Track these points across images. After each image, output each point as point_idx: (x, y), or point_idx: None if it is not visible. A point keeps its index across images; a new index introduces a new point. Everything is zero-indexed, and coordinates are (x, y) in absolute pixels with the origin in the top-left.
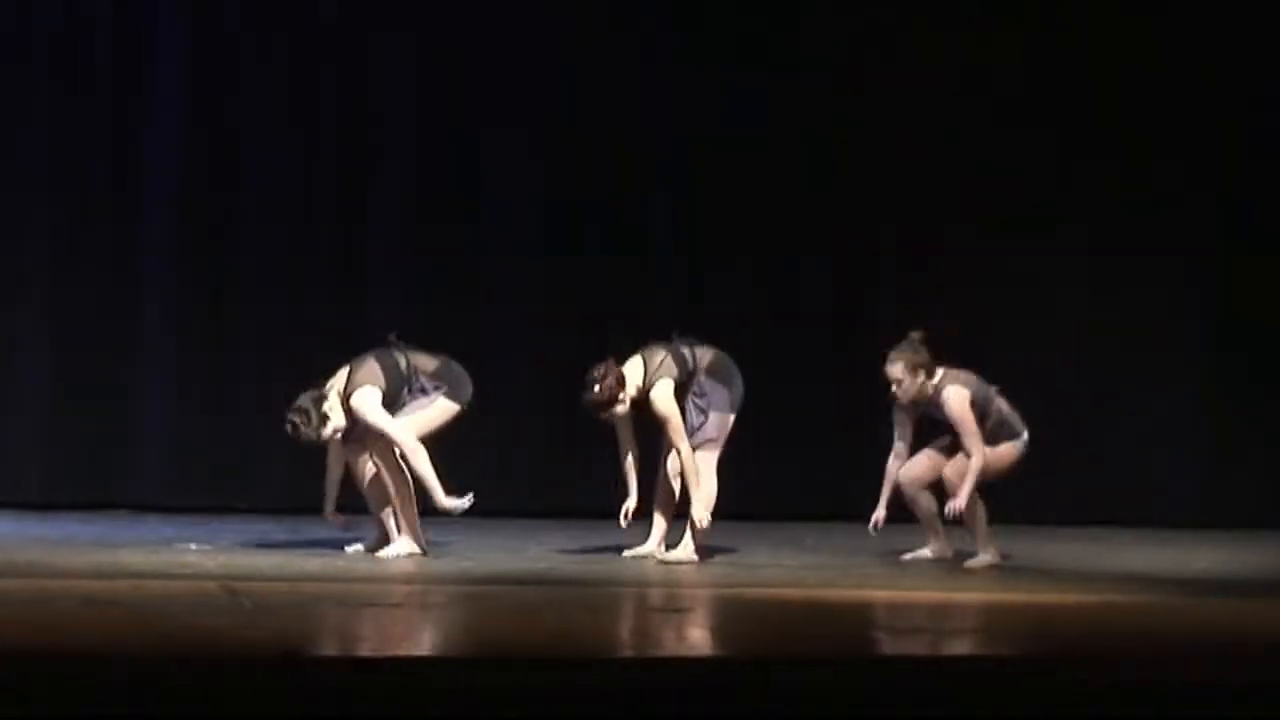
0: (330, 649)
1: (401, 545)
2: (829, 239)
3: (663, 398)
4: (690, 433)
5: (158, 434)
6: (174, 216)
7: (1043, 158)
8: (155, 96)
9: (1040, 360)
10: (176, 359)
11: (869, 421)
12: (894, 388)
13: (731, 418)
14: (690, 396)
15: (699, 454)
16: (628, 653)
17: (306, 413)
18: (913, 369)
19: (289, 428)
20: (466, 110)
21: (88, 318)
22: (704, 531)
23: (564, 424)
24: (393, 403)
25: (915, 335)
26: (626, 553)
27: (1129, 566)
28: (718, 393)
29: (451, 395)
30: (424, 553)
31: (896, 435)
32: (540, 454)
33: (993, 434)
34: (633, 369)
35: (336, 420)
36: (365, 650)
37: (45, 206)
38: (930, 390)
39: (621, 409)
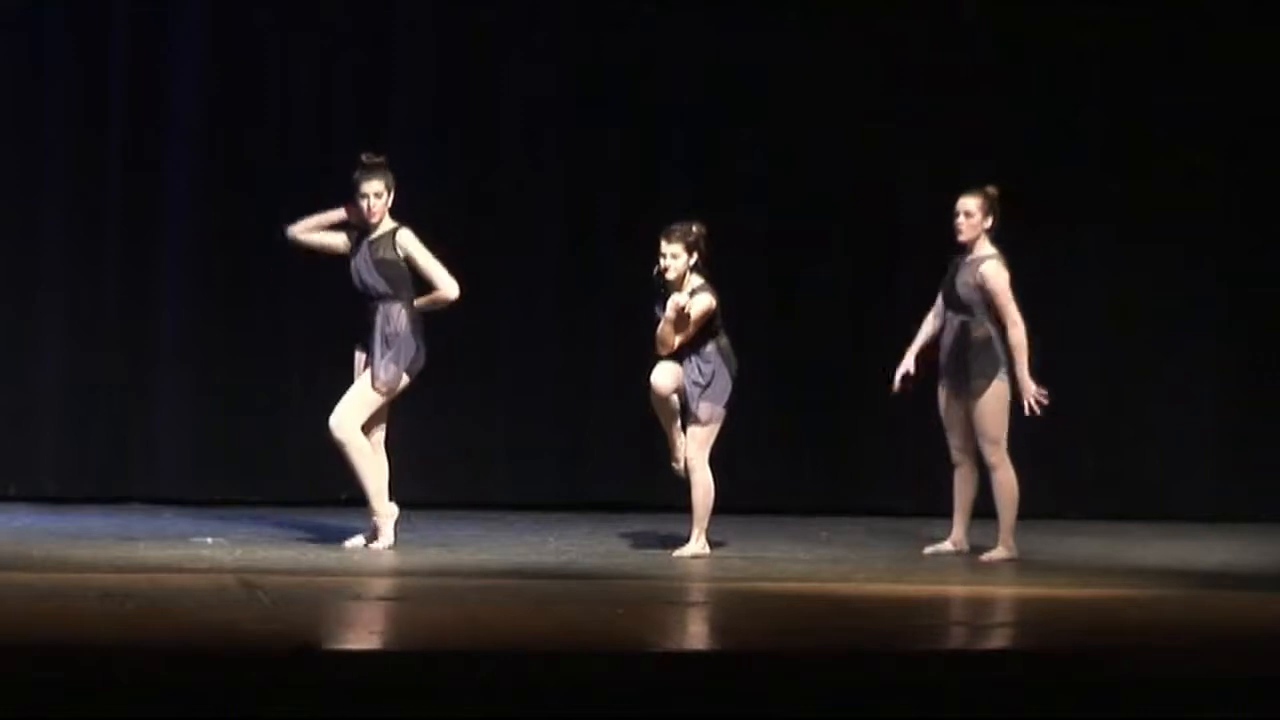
0: (347, 643)
1: (387, 537)
2: (847, 235)
3: (702, 301)
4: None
5: (174, 428)
6: (192, 213)
7: (1061, 152)
8: (174, 94)
9: (1057, 356)
10: (193, 353)
11: (885, 416)
12: (960, 219)
13: (723, 413)
14: (694, 359)
15: (691, 448)
16: (644, 646)
17: (384, 162)
18: (984, 210)
19: (370, 154)
20: (484, 107)
21: (104, 312)
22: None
23: (583, 418)
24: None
25: (992, 190)
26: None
27: (1146, 561)
28: (719, 377)
29: (408, 368)
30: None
31: (940, 300)
32: (560, 448)
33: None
34: (696, 275)
35: (387, 197)
36: (382, 644)
37: (63, 202)
38: (981, 250)
39: (670, 262)
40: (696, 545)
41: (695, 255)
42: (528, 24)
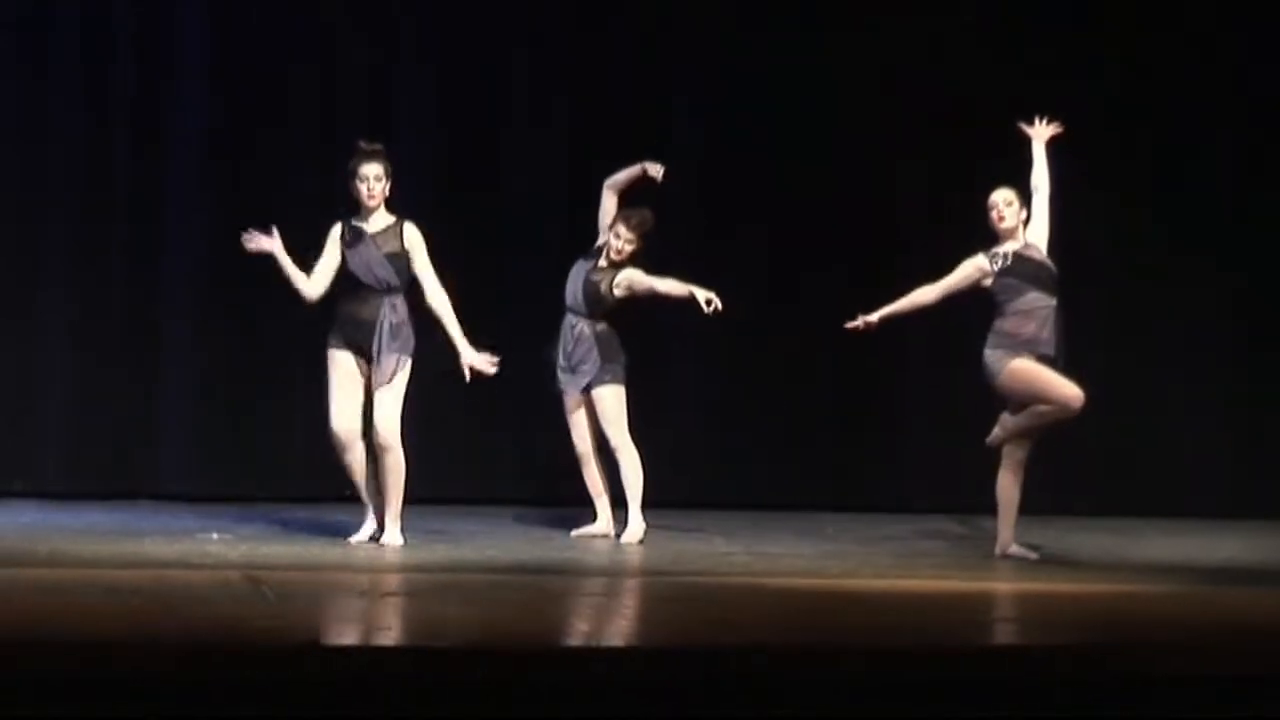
0: (352, 638)
1: (393, 533)
2: (853, 232)
3: (637, 274)
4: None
5: (179, 424)
6: (196, 210)
7: (1071, 144)
8: (178, 93)
9: (1067, 351)
10: (197, 349)
11: (891, 413)
12: (1002, 208)
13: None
14: (577, 329)
15: (609, 429)
16: (648, 642)
17: (382, 149)
18: (1021, 203)
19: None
20: (490, 106)
21: (109, 308)
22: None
23: None
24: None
25: None
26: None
27: (1154, 556)
28: (591, 354)
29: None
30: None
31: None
32: (566, 444)
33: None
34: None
35: (387, 182)
36: (387, 640)
37: (69, 198)
38: (1021, 236)
39: (629, 247)
40: (638, 525)
41: (643, 244)
42: (531, 23)
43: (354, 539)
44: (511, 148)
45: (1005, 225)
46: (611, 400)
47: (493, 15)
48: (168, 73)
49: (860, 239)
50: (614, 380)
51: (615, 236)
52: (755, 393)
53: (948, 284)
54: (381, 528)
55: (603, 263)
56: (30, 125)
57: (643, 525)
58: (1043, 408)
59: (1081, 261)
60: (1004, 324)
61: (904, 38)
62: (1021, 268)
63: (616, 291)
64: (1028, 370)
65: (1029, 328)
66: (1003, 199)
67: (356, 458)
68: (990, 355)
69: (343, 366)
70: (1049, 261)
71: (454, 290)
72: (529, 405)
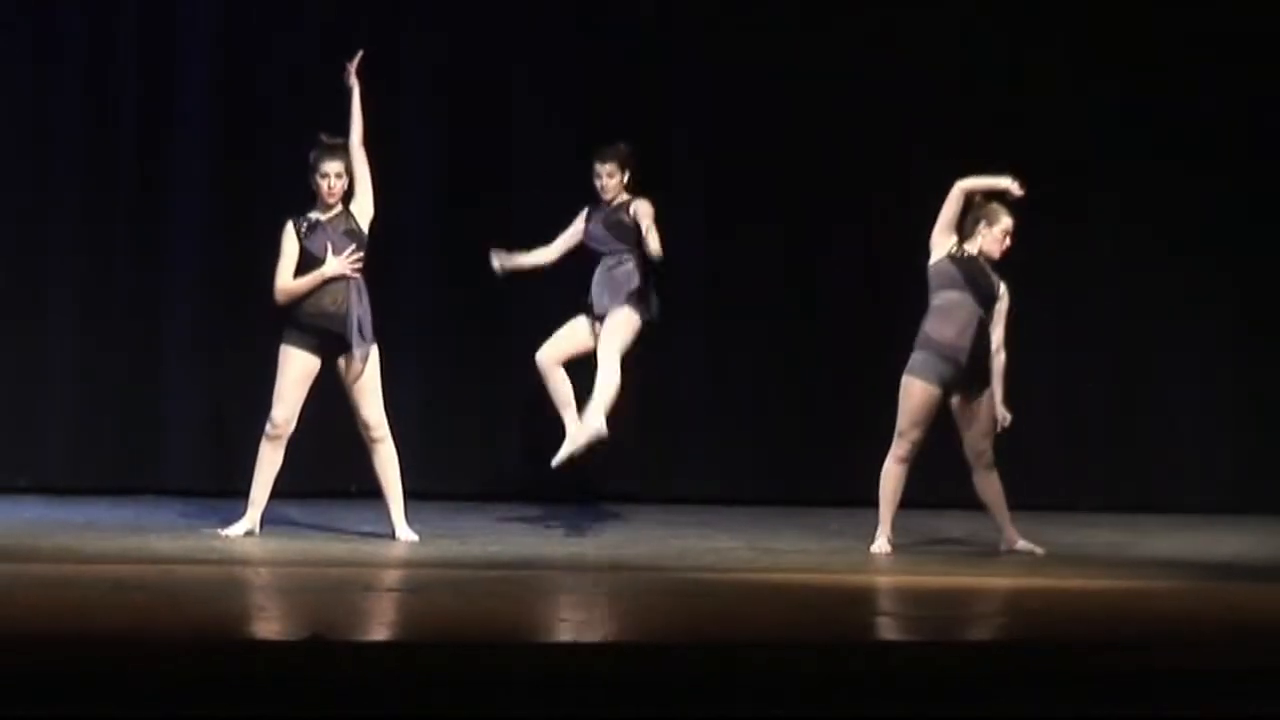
0: (357, 634)
1: (404, 529)
2: (859, 228)
3: (646, 206)
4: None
5: (183, 419)
6: (201, 205)
7: (1077, 141)
8: (182, 92)
9: (1071, 346)
10: (201, 344)
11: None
12: (1009, 239)
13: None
14: (620, 258)
15: (608, 353)
16: (651, 638)
17: (344, 144)
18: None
19: (330, 135)
20: (495, 103)
21: (113, 304)
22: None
23: None
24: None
25: None
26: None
27: (1158, 553)
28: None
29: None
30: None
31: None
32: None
33: None
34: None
35: (346, 178)
36: (392, 635)
37: (73, 192)
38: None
39: (615, 176)
40: (597, 419)
41: (628, 173)
42: (532, 22)
43: (228, 531)
44: (515, 151)
45: (999, 249)
46: (624, 319)
47: (495, 17)
48: (172, 74)
49: (864, 236)
50: (636, 310)
51: (597, 178)
52: (759, 387)
53: (954, 206)
54: (260, 528)
55: (607, 211)
56: (32, 125)
57: (603, 425)
58: (886, 483)
59: (1083, 259)
60: (928, 323)
61: (905, 35)
62: (968, 268)
63: (635, 216)
64: (910, 395)
65: (948, 331)
66: (1012, 229)
67: (279, 455)
68: (913, 357)
69: (298, 364)
70: (996, 287)
71: (455, 289)
72: (534, 401)
